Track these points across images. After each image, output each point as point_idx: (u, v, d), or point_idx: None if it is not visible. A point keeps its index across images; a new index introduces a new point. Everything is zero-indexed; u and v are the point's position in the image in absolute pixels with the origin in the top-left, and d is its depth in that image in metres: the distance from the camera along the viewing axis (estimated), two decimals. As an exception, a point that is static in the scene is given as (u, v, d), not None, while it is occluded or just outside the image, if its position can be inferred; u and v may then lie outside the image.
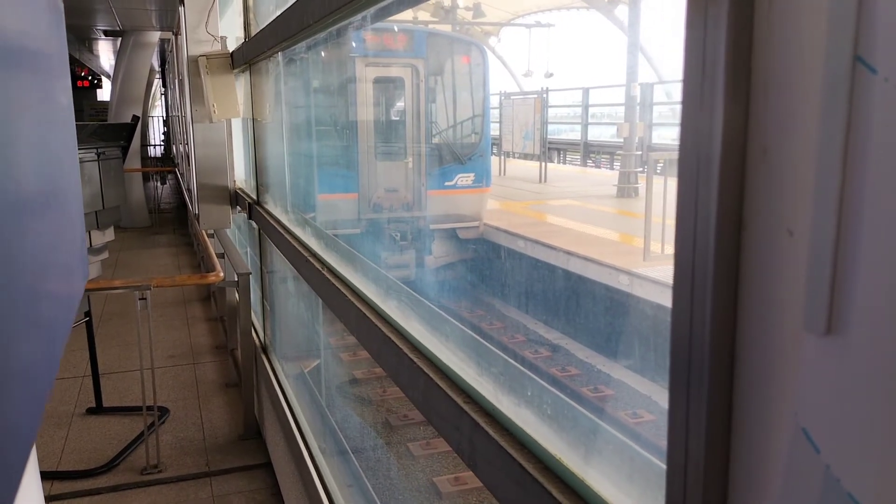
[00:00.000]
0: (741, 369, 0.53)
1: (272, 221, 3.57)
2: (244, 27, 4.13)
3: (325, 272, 2.41)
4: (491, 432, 1.18)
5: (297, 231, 3.16)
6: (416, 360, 1.54)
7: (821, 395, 0.47)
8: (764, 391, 0.52)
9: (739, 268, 0.53)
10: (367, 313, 1.90)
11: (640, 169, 12.15)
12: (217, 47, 4.52)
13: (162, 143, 24.65)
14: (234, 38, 4.82)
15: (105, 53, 17.47)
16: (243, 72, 4.37)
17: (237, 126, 5.14)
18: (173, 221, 13.71)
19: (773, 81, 0.49)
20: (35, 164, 0.87)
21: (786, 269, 0.49)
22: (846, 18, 0.43)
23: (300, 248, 2.83)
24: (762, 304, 0.51)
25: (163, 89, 22.93)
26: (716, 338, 0.53)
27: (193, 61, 4.41)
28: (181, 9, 4.79)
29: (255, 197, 4.34)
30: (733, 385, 0.54)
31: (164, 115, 24.64)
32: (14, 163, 0.75)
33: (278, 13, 2.90)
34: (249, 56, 3.86)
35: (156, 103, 26.68)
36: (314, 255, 2.68)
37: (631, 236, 9.00)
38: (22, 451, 0.71)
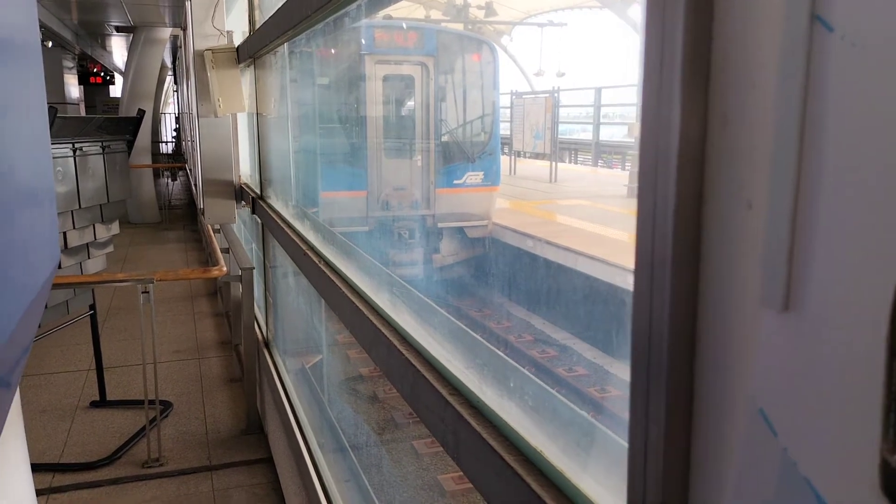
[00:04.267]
0: (701, 349, 0.51)
1: (274, 216, 3.56)
2: (249, 21, 4.12)
3: (322, 266, 2.40)
4: (474, 424, 1.16)
5: (298, 226, 3.15)
6: (404, 352, 1.52)
7: (778, 375, 0.45)
8: (723, 372, 0.49)
9: (700, 244, 0.51)
10: (361, 306, 1.89)
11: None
12: (223, 41, 4.52)
13: (173, 140, 24.76)
14: (240, 32, 4.82)
15: (118, 50, 17.56)
16: (248, 66, 4.36)
17: (242, 121, 5.14)
18: (183, 218, 13.76)
19: (733, 46, 0.47)
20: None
21: (744, 244, 0.47)
22: (803, -26, 0.41)
23: (300, 243, 2.82)
24: (722, 281, 0.49)
25: (175, 86, 23.03)
26: (675, 317, 0.51)
27: (199, 55, 4.41)
28: (188, 3, 4.79)
29: (258, 192, 4.34)
30: (693, 366, 0.52)
31: (176, 111, 24.75)
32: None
33: (280, 5, 2.89)
34: (254, 50, 3.85)
35: (168, 100, 26.81)
36: (312, 248, 2.66)
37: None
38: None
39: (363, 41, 9.24)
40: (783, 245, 0.43)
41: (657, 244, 0.52)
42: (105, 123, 5.38)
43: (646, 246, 0.53)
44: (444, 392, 1.33)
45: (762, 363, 0.46)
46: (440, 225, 9.80)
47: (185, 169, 15.83)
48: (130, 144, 5.83)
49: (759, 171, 0.45)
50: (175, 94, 24.19)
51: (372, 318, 1.78)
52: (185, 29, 7.19)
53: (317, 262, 2.45)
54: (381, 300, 1.88)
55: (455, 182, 9.89)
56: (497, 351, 1.40)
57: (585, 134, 19.15)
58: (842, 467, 0.41)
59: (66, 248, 5.12)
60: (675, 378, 0.52)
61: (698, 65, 0.48)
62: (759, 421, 0.46)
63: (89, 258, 5.55)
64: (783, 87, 0.42)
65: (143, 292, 4.00)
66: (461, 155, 9.93)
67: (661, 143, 0.50)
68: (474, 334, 1.49)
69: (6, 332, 0.82)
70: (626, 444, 0.94)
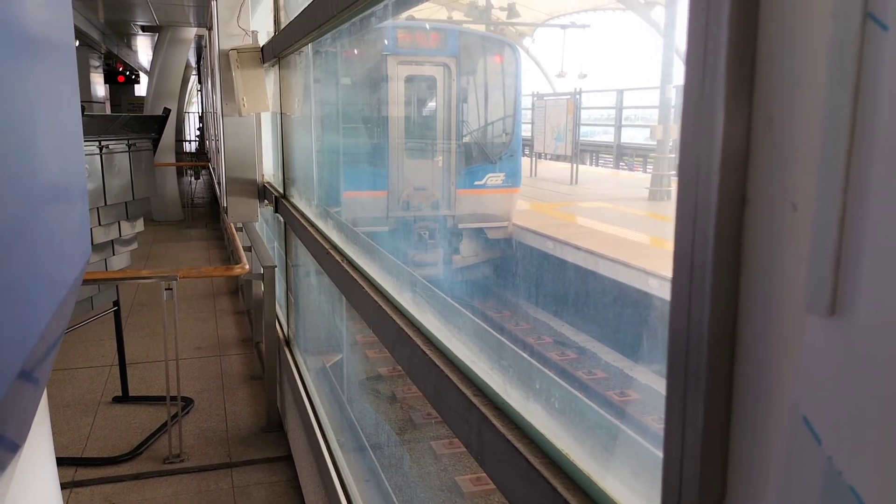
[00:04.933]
0: (741, 354, 0.50)
1: (297, 215, 3.57)
2: (274, 22, 4.14)
3: (344, 265, 2.40)
4: (498, 426, 1.15)
5: (320, 224, 3.16)
6: (428, 352, 1.52)
7: (823, 381, 0.44)
8: (764, 377, 0.48)
9: (741, 247, 0.50)
10: (384, 306, 1.89)
11: (673, 172, 11.99)
12: (248, 41, 4.54)
13: (197, 139, 24.97)
14: (265, 32, 4.85)
15: (143, 49, 17.74)
16: (273, 66, 4.39)
17: (266, 120, 5.17)
18: (206, 216, 13.86)
19: (780, 44, 0.46)
20: (27, 146, 0.86)
21: (788, 247, 0.46)
22: (856, -29, 0.40)
23: (322, 242, 2.83)
24: (764, 285, 0.48)
25: (199, 86, 23.21)
26: (715, 321, 0.50)
27: (224, 55, 4.44)
28: (214, 3, 4.82)
29: (282, 191, 4.36)
30: (733, 371, 0.51)
31: (200, 111, 24.95)
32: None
33: (306, 5, 2.90)
34: (278, 50, 3.87)
35: (192, 100, 27.03)
36: (335, 247, 2.67)
37: (662, 240, 8.87)
38: None
39: (386, 42, 9.26)
40: (829, 248, 0.42)
41: (697, 246, 0.51)
42: (131, 122, 5.43)
43: (685, 248, 0.52)
44: (468, 393, 1.32)
45: (806, 369, 0.45)
46: (461, 226, 9.79)
47: (209, 167, 15.95)
48: (156, 143, 5.89)
49: (806, 172, 0.45)
50: (199, 93, 24.38)
51: (395, 317, 1.78)
52: (210, 28, 7.25)
53: (339, 260, 2.46)
54: (404, 300, 1.88)
55: (476, 183, 9.88)
56: (521, 353, 1.39)
57: (607, 136, 19.05)
58: (890, 478, 0.40)
59: (91, 245, 5.17)
60: (714, 382, 0.51)
61: (743, 64, 0.48)
62: (802, 428, 0.45)
63: (114, 255, 5.61)
64: (833, 88, 0.42)
65: (166, 289, 4.04)
66: (482, 156, 9.92)
67: (703, 143, 0.50)
68: (498, 335, 1.49)
69: (39, 329, 0.83)
70: (654, 449, 0.93)
